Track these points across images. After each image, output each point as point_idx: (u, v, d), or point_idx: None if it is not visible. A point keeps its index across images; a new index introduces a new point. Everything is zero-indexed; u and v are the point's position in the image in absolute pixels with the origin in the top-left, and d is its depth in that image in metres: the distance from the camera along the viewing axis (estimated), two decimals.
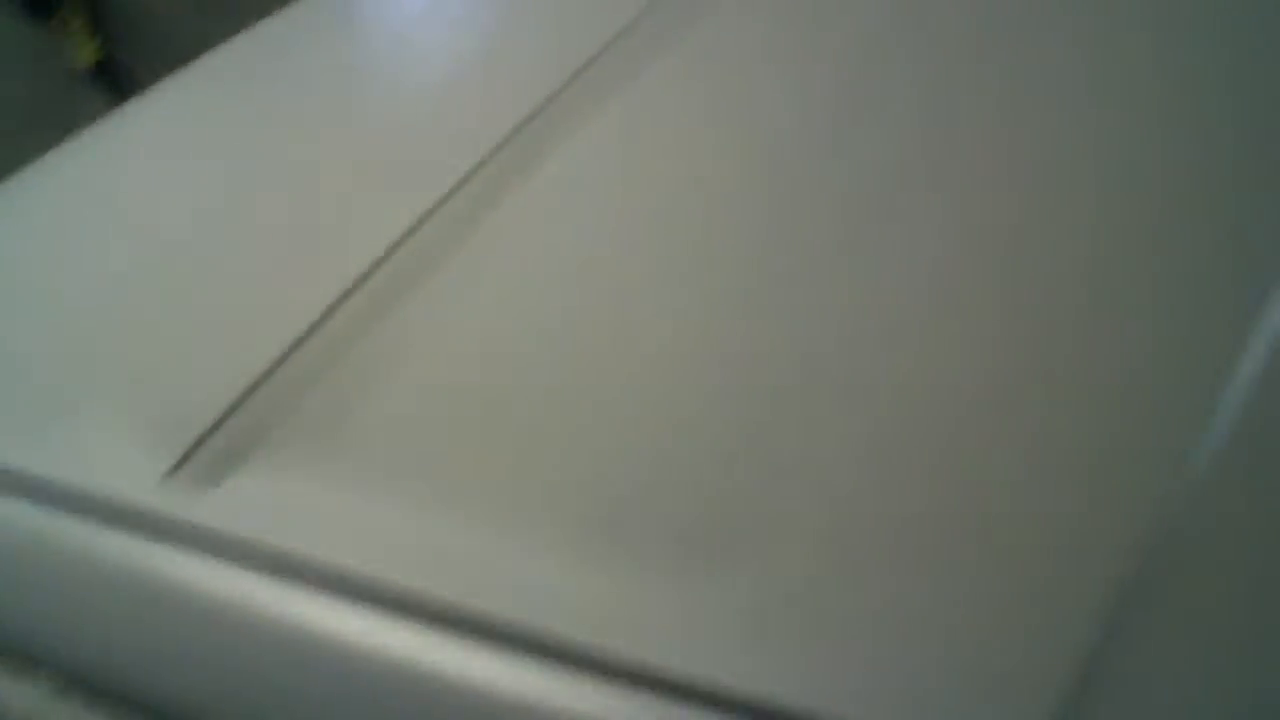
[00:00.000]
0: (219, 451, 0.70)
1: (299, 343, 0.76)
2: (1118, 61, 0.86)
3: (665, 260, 0.77)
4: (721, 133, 0.89)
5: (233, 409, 0.72)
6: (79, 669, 0.68)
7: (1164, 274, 0.67)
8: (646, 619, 0.55)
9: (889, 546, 0.56)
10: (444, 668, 0.56)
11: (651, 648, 0.53)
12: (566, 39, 1.05)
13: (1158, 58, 0.85)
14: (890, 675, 0.51)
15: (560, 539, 0.60)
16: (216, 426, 0.71)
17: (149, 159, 1.10)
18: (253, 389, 0.73)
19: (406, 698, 0.56)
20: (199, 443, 0.70)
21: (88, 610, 0.69)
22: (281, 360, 0.75)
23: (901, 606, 0.53)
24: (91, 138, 1.16)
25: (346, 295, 0.79)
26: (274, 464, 0.68)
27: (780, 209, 0.78)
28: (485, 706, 0.55)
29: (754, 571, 0.56)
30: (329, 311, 0.77)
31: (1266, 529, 0.53)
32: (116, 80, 2.28)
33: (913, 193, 0.76)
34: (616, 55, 0.98)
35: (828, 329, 0.68)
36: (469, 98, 1.05)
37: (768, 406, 0.64)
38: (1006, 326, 0.66)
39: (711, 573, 0.56)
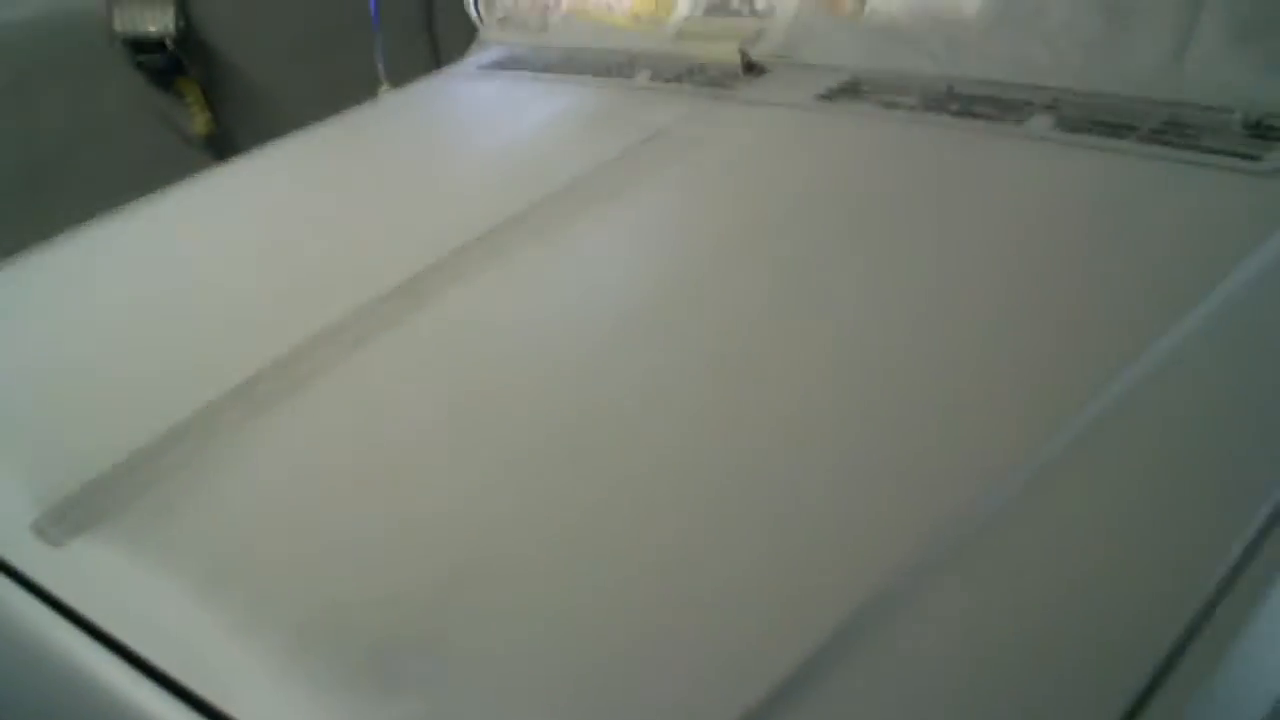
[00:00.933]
0: (79, 515, 0.85)
1: (173, 433, 0.92)
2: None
3: (489, 423, 0.91)
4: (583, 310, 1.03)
5: (95, 485, 0.88)
6: None
7: None
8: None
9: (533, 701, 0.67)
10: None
11: None
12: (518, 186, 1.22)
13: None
14: None
15: (287, 643, 0.73)
16: (83, 493, 0.87)
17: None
18: (113, 473, 0.89)
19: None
20: (65, 504, 0.86)
21: None
22: (151, 448, 0.90)
23: None
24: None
25: (215, 405, 0.94)
26: (110, 537, 0.84)
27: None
28: None
29: (412, 697, 0.68)
30: (198, 414, 0.93)
31: None
32: (223, 149, 2.54)
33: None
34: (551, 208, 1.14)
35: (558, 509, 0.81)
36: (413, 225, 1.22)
37: (485, 561, 0.77)
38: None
39: (381, 691, 0.68)
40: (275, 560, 0.80)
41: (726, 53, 1.50)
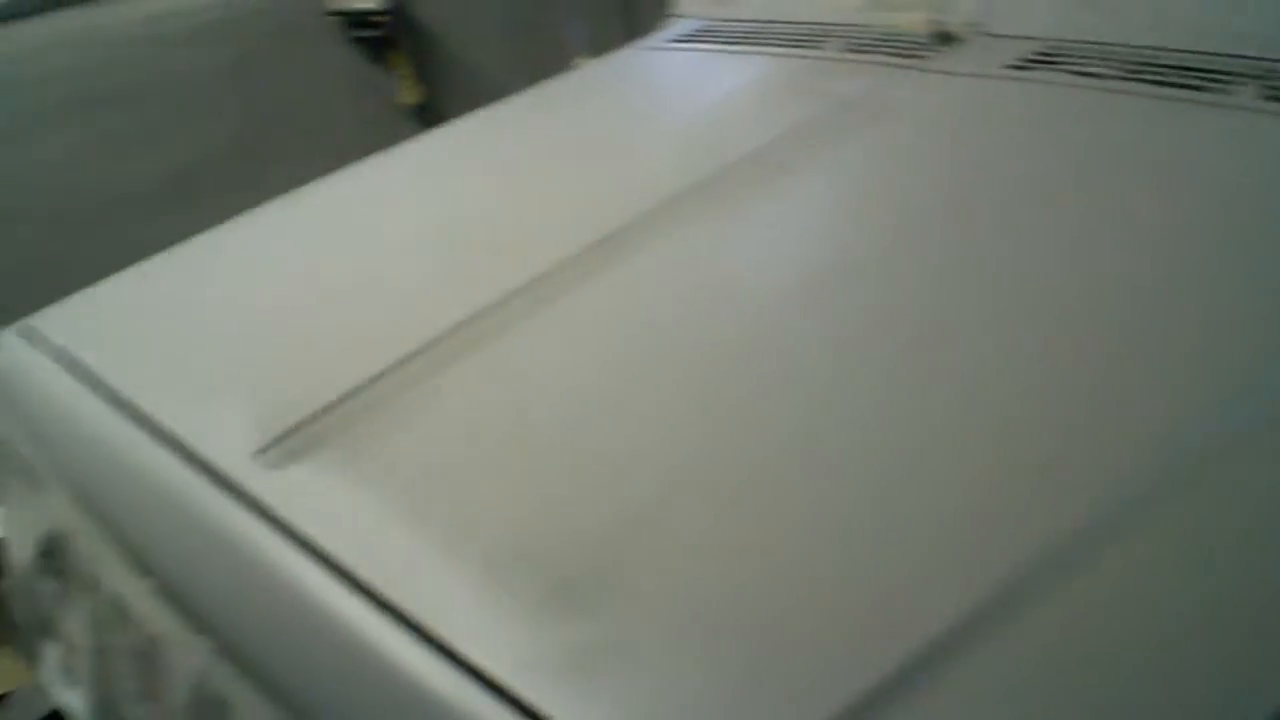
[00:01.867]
0: (295, 444, 0.94)
1: (380, 375, 1.00)
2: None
3: (669, 381, 0.96)
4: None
5: (317, 415, 0.97)
6: (166, 576, 0.93)
7: None
8: (501, 633, 0.74)
9: (706, 631, 0.72)
10: (380, 648, 0.77)
11: (493, 655, 0.72)
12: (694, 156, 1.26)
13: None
14: None
15: (479, 563, 0.79)
16: (296, 429, 0.95)
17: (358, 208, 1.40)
18: (336, 403, 0.97)
19: (349, 661, 0.77)
20: (281, 437, 0.95)
21: (181, 538, 0.94)
22: (361, 387, 0.99)
23: (688, 683, 0.69)
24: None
25: (432, 342, 1.02)
26: (324, 463, 0.91)
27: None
28: (389, 679, 0.75)
29: (593, 623, 0.73)
30: (413, 353, 1.01)
31: None
32: (430, 118, 2.67)
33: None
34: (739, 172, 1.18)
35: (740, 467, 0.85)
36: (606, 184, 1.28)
37: (659, 506, 0.81)
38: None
39: (566, 614, 0.74)
40: (470, 492, 0.86)
41: (917, 22, 1.51)
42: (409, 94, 2.70)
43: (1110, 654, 0.66)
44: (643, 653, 0.71)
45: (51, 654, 1.25)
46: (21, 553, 1.27)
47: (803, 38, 1.63)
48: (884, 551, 0.75)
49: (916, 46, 1.49)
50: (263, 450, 0.94)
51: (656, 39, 1.87)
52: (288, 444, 0.95)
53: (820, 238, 1.15)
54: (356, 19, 2.60)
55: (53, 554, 1.18)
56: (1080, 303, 0.95)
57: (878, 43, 1.54)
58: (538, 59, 2.54)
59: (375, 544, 0.83)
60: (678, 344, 1.00)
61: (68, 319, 1.30)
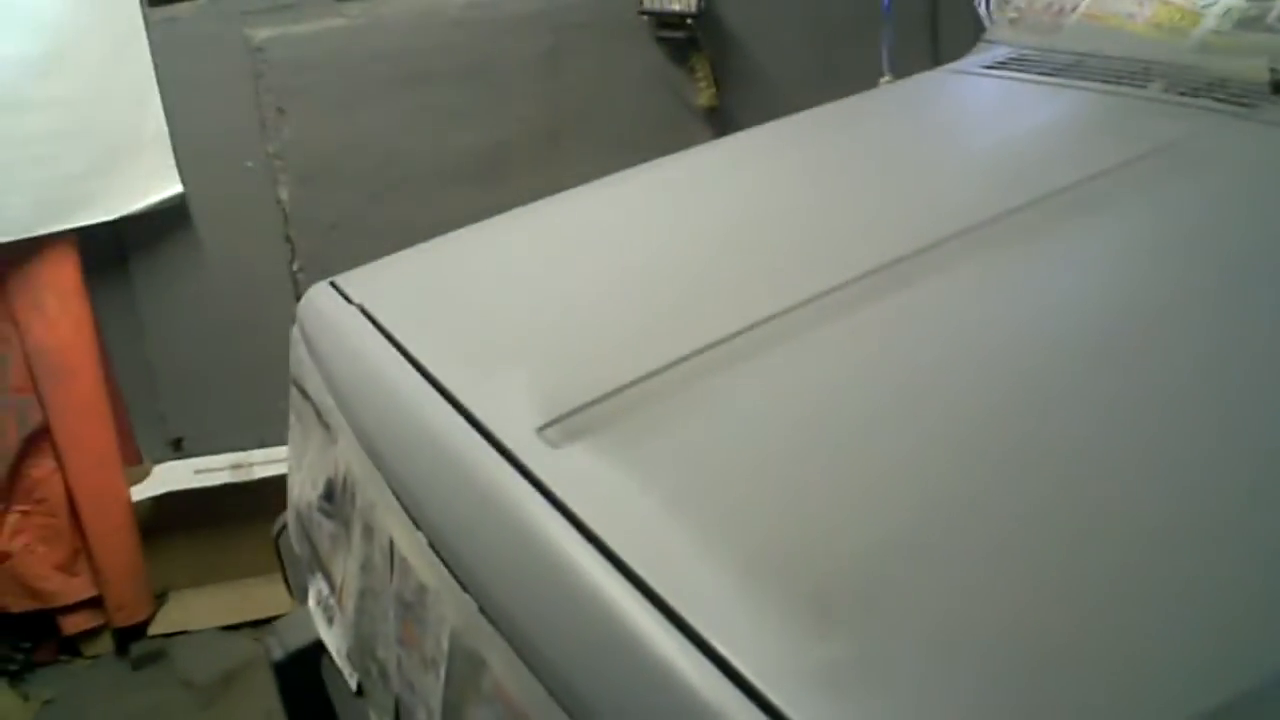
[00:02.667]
0: (574, 425, 0.98)
1: (666, 366, 1.02)
2: None
3: (950, 412, 0.94)
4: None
5: (599, 399, 1.00)
6: (439, 534, 0.98)
7: None
8: (761, 642, 0.75)
9: (967, 663, 0.70)
10: (634, 629, 0.78)
11: (752, 661, 0.73)
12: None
13: None
14: None
15: (741, 568, 0.80)
16: (584, 407, 0.99)
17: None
18: (618, 389, 1.00)
19: (603, 636, 0.79)
20: (564, 416, 0.98)
21: (457, 498, 0.99)
22: (646, 376, 1.01)
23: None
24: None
25: (707, 347, 1.03)
26: (602, 446, 0.94)
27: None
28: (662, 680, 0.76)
29: (850, 638, 0.73)
30: (693, 352, 1.03)
31: None
32: (723, 123, 2.71)
33: None
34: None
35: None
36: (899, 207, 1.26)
37: (933, 523, 0.80)
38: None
39: (826, 626, 0.74)
40: (739, 493, 0.88)
41: (1255, 70, 1.41)
42: (705, 96, 2.74)
43: None
44: (897, 673, 0.71)
45: (320, 589, 1.35)
46: (304, 491, 1.37)
47: (1124, 74, 1.56)
48: (1162, 612, 0.71)
49: (1252, 95, 1.40)
50: (545, 426, 0.98)
51: (967, 63, 1.83)
52: (569, 423, 0.98)
53: (1124, 285, 1.10)
54: (666, 19, 2.66)
55: (333, 497, 1.27)
56: None
57: (1209, 87, 1.45)
58: (837, 75, 2.53)
59: (641, 529, 0.85)
60: (965, 376, 0.98)
61: (371, 280, 1.39)
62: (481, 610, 0.90)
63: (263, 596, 2.61)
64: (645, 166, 1.62)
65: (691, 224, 1.38)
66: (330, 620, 1.31)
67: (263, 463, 2.68)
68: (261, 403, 2.32)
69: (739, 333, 1.06)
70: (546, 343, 1.15)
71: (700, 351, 1.04)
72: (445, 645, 0.95)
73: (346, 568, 1.23)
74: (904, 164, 1.46)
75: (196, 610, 2.74)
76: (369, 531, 1.14)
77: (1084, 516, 0.80)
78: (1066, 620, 0.72)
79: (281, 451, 1.62)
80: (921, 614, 0.74)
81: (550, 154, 2.72)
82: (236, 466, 2.71)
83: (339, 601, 1.27)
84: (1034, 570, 0.76)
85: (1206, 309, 1.01)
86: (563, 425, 0.98)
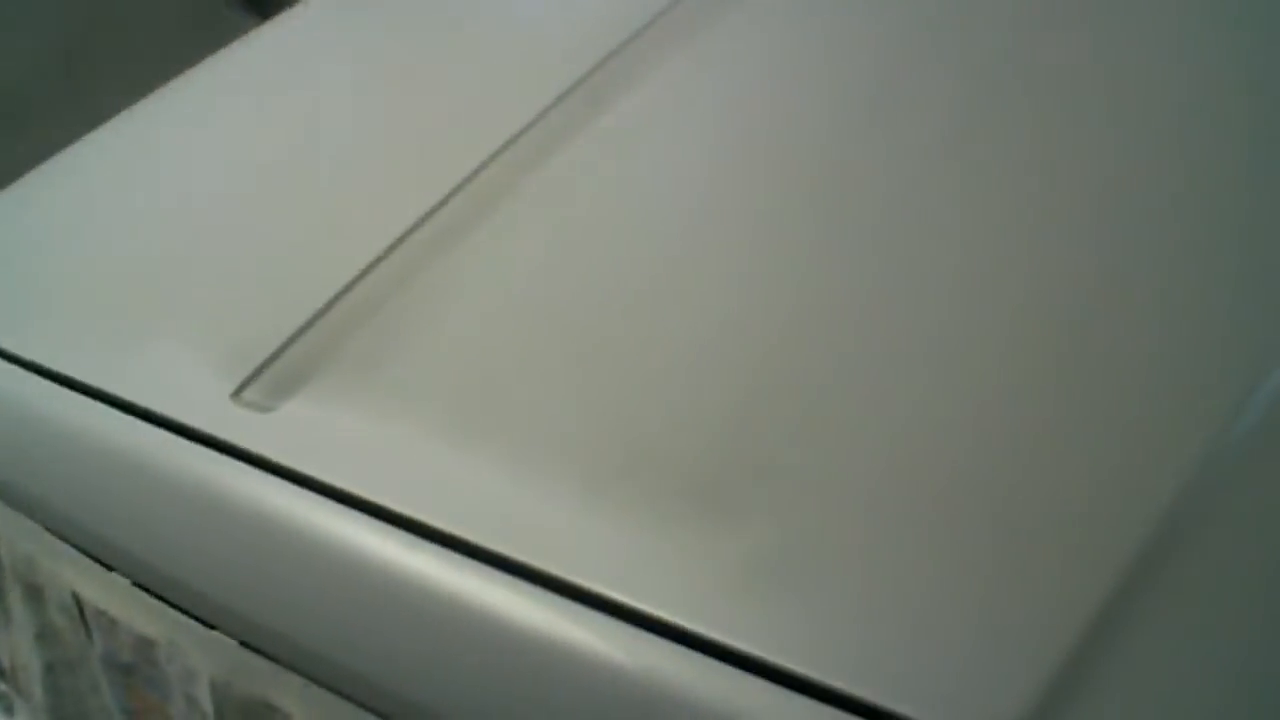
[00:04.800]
0: (278, 378, 0.75)
1: (351, 284, 0.81)
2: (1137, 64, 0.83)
3: (695, 233, 0.79)
4: (754, 125, 0.89)
5: (290, 342, 0.77)
6: (148, 569, 0.74)
7: (1189, 268, 0.66)
8: (652, 567, 0.58)
9: (900, 511, 0.57)
10: (455, 592, 0.60)
11: (651, 594, 0.56)
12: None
13: (1175, 64, 0.82)
14: (880, 640, 0.52)
15: (577, 485, 0.63)
16: (275, 356, 0.76)
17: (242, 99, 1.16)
18: (308, 325, 0.77)
19: (415, 612, 0.61)
20: (260, 370, 0.76)
21: (161, 517, 0.75)
22: (333, 301, 0.80)
23: (901, 570, 0.55)
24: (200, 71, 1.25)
25: (394, 246, 0.83)
26: (323, 394, 0.73)
27: (814, 200, 0.79)
28: (491, 629, 0.58)
29: (760, 523, 0.58)
30: (378, 258, 0.82)
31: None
32: (260, 5, 2.38)
33: (939, 192, 0.76)
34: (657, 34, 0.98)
35: (858, 312, 0.69)
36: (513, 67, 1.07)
37: (790, 372, 0.66)
38: (1030, 317, 0.65)
39: (723, 523, 0.58)
40: (528, 399, 0.69)
41: None
42: None
43: None
44: (835, 549, 0.57)
45: None
46: None
47: None
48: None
49: None
50: (240, 390, 0.75)
51: None
52: (270, 378, 0.75)
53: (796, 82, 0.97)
54: None
55: None
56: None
57: None
58: None
59: (432, 483, 0.65)
60: (687, 200, 0.83)
61: None
62: (247, 646, 0.68)
63: None
64: (208, 66, 1.33)
65: (298, 119, 1.13)
66: (10, 710, 1.03)
67: None
68: None
69: (430, 214, 0.86)
70: (194, 289, 0.89)
71: (394, 248, 0.83)
72: (208, 705, 0.72)
73: (15, 644, 0.95)
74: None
75: None
76: (35, 593, 0.87)
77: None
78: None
79: None
80: (822, 468, 0.60)
81: (71, 88, 2.29)
82: None
83: (16, 686, 0.99)
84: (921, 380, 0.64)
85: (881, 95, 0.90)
86: (262, 383, 0.76)
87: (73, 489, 0.79)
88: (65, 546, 0.79)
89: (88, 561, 0.78)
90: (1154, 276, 0.65)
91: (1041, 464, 0.57)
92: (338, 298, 0.80)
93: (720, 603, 0.55)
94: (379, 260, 0.83)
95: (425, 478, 0.66)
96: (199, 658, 0.72)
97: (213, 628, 0.70)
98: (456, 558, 0.61)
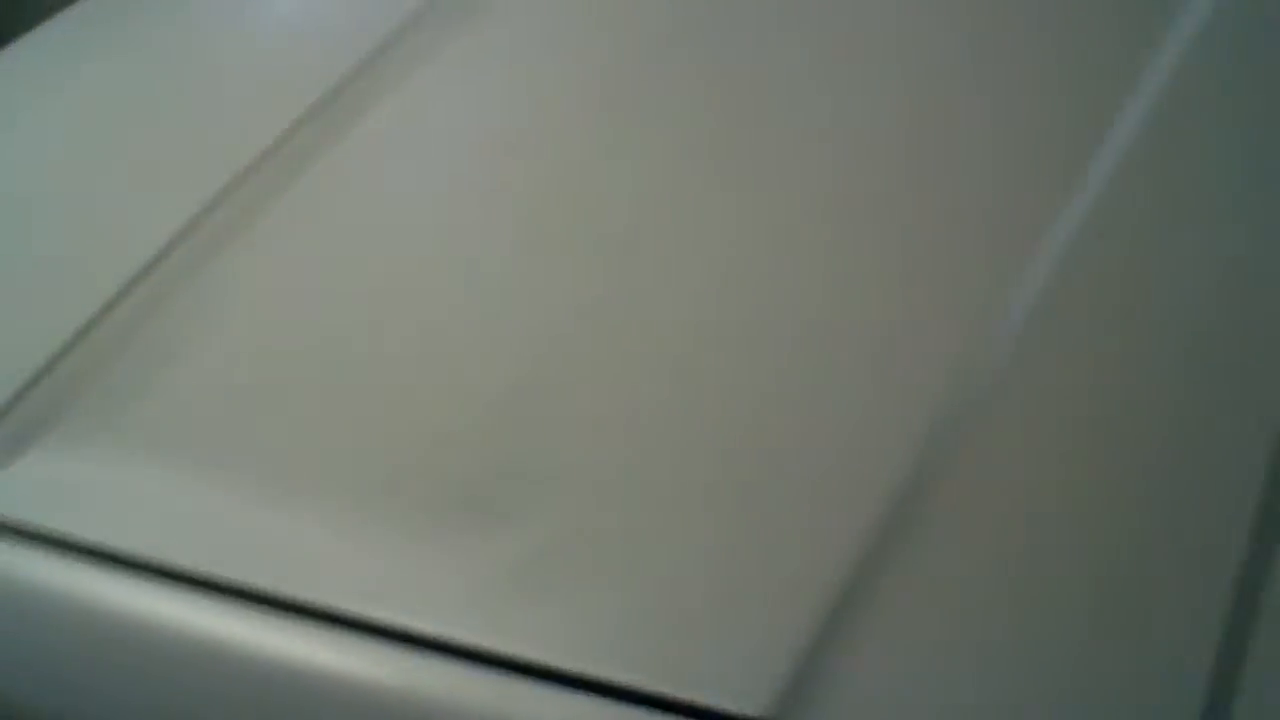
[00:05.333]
0: (16, 428, 0.71)
1: (88, 326, 0.77)
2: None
3: (445, 241, 0.79)
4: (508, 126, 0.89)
5: (20, 395, 0.72)
6: None
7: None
8: (416, 581, 0.57)
9: (653, 506, 0.59)
10: (213, 633, 0.58)
11: (419, 609, 0.56)
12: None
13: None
14: (643, 632, 0.54)
15: (336, 508, 0.62)
16: (7, 410, 0.72)
17: None
18: (38, 377, 0.73)
19: (169, 658, 0.59)
20: None
21: None
22: (71, 344, 0.75)
23: (656, 562, 0.56)
24: None
25: (139, 276, 0.79)
26: (63, 445, 0.69)
27: (564, 195, 0.80)
28: (254, 668, 0.57)
29: (528, 528, 0.58)
30: (120, 292, 0.78)
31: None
32: None
33: (684, 197, 0.78)
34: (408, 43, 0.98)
35: (608, 317, 0.70)
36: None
37: (544, 377, 0.66)
38: (770, 318, 0.68)
39: (486, 530, 0.59)
40: (283, 423, 0.67)
41: None
42: None
43: None
44: (595, 546, 0.58)
45: None
46: None
47: None
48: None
49: None
50: None
51: None
52: (6, 428, 0.71)
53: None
54: None
55: None
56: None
57: None
58: None
59: (187, 527, 0.63)
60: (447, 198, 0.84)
61: None
62: None
63: None
64: None
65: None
66: None
67: None
68: None
69: (173, 244, 0.82)
70: None
71: (137, 280, 0.80)
72: None
73: None
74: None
75: None
76: None
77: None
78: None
79: None
80: (584, 465, 0.61)
81: None
82: None
83: None
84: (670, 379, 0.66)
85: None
86: None
87: None
88: None
89: None
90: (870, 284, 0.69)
91: (779, 457, 0.60)
92: (79, 335, 0.76)
93: (484, 609, 0.55)
94: (123, 292, 0.79)
95: (177, 523, 0.64)
96: None
97: None
98: (203, 600, 0.59)
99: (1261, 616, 0.50)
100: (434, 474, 0.62)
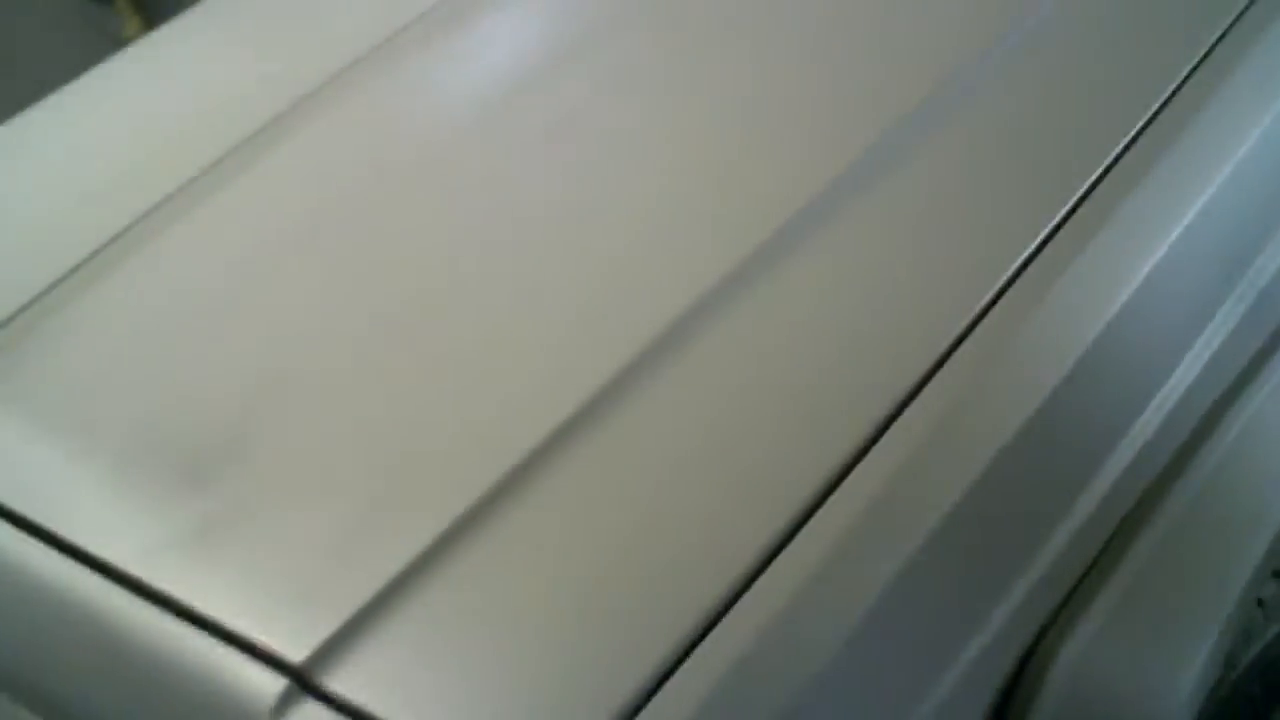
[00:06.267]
0: None
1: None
2: None
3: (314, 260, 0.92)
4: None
5: None
6: None
7: None
8: (117, 518, 0.73)
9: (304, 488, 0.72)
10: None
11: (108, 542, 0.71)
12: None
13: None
14: (309, 601, 0.66)
15: (104, 461, 0.77)
16: None
17: None
18: None
19: None
20: None
21: None
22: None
23: (291, 534, 0.68)
24: None
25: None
26: None
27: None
28: None
29: (221, 493, 0.72)
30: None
31: None
32: None
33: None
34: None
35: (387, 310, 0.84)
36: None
37: (292, 365, 0.81)
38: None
39: (186, 489, 0.73)
40: (103, 398, 0.83)
41: None
42: (131, 28, 2.56)
43: None
44: (264, 517, 0.71)
45: None
46: None
47: None
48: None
49: None
50: None
51: None
52: None
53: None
54: None
55: None
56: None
57: None
58: None
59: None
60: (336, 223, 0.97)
61: None
62: None
63: None
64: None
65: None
66: None
67: None
68: None
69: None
70: None
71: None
72: None
73: None
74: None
75: None
76: None
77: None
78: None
79: None
80: (292, 453, 0.75)
81: None
82: None
83: None
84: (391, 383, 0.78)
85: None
86: None
87: None
88: None
89: None
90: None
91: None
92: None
93: (162, 558, 0.69)
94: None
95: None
96: None
97: None
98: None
99: None
100: (176, 440, 0.78)
